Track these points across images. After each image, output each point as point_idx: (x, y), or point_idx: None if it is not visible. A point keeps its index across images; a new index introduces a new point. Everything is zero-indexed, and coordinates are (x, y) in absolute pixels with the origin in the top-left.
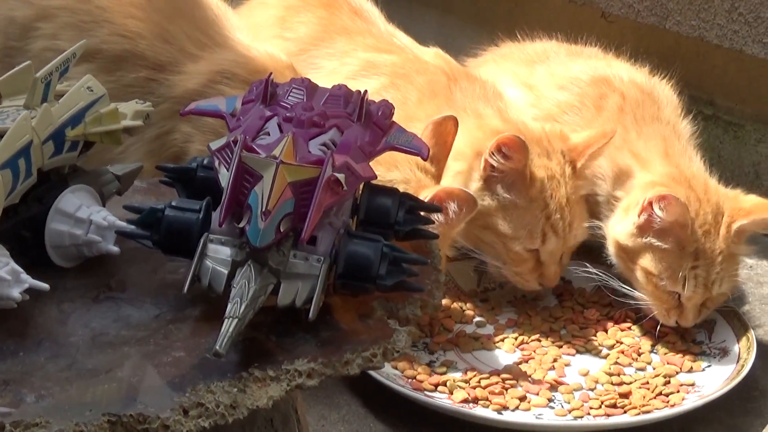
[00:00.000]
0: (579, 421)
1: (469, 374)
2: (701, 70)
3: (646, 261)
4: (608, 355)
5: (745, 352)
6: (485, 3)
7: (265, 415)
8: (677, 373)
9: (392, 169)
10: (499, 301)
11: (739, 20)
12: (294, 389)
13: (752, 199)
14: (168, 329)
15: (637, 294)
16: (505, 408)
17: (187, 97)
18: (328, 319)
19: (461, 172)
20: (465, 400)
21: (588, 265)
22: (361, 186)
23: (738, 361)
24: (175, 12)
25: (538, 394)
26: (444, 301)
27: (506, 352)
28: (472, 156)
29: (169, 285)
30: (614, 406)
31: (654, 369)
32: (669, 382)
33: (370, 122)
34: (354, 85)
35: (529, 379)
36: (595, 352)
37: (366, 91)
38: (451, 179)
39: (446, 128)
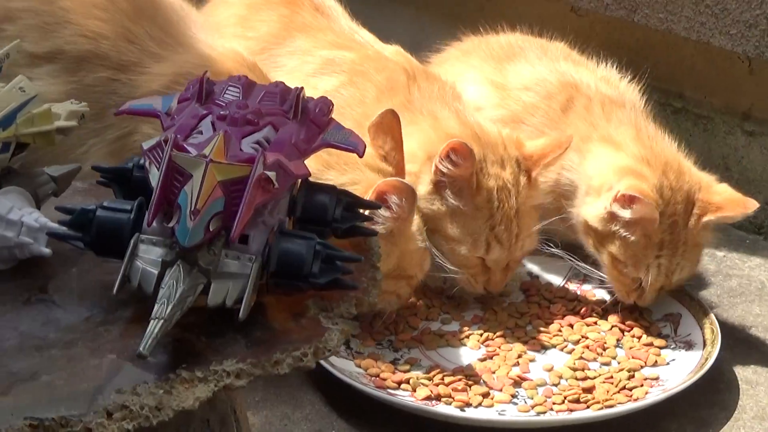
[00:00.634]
0: (541, 417)
1: (433, 372)
2: (670, 62)
3: (614, 247)
4: (573, 350)
5: (710, 345)
6: None
7: (201, 415)
8: (642, 367)
9: (346, 172)
10: (465, 297)
11: (705, 12)
12: (222, 390)
13: (723, 192)
14: (97, 331)
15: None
16: (468, 405)
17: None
18: (261, 318)
19: (412, 173)
20: (428, 398)
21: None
22: (299, 183)
23: (702, 355)
24: (138, 12)
25: (501, 391)
26: (410, 299)
27: (471, 348)
28: (424, 159)
29: (102, 287)
30: (577, 401)
31: (619, 363)
32: (633, 377)
33: (306, 119)
34: (314, 84)
35: (493, 375)
36: (561, 347)
37: (302, 88)
38: None
39: (388, 124)
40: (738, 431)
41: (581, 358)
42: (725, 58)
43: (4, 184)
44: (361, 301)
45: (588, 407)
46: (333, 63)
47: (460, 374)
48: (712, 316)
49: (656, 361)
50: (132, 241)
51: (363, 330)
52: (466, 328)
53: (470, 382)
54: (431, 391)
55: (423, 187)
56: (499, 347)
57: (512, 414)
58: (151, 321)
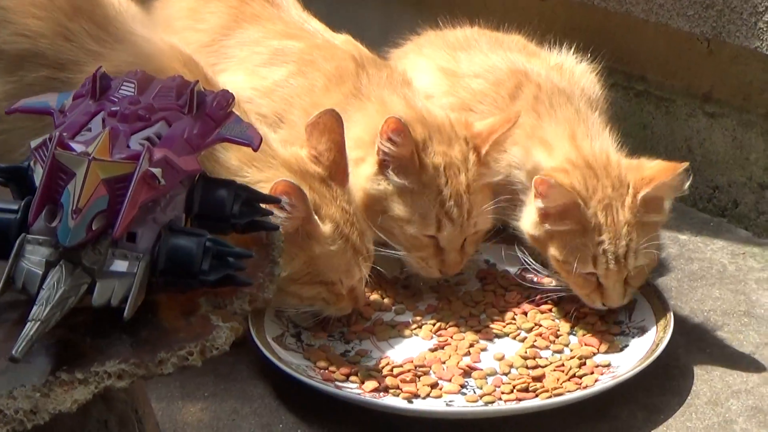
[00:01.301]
0: (488, 407)
1: (383, 363)
2: (631, 45)
3: (554, 249)
4: (526, 338)
5: (662, 330)
6: None
7: (98, 417)
8: (594, 354)
9: (263, 170)
10: (420, 287)
11: None
12: (103, 392)
13: (654, 165)
14: None
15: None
16: (416, 396)
17: None
18: (150, 317)
19: (359, 159)
20: (376, 389)
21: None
22: (197, 179)
23: (654, 341)
24: (76, 10)
25: (450, 381)
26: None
27: (422, 338)
28: (370, 142)
29: None
30: (526, 390)
31: (571, 351)
32: (585, 364)
33: (202, 114)
34: (264, 74)
35: (443, 365)
36: (513, 335)
37: (197, 82)
38: (352, 167)
39: (325, 124)
40: (690, 417)
41: (533, 346)
42: (684, 40)
43: None
44: (255, 297)
45: (537, 396)
46: (282, 53)
47: (409, 365)
48: (667, 301)
49: (609, 348)
50: (17, 242)
51: (316, 324)
52: (419, 318)
53: (419, 373)
54: (379, 383)
55: (368, 168)
56: (451, 337)
57: (460, 404)
58: (28, 323)
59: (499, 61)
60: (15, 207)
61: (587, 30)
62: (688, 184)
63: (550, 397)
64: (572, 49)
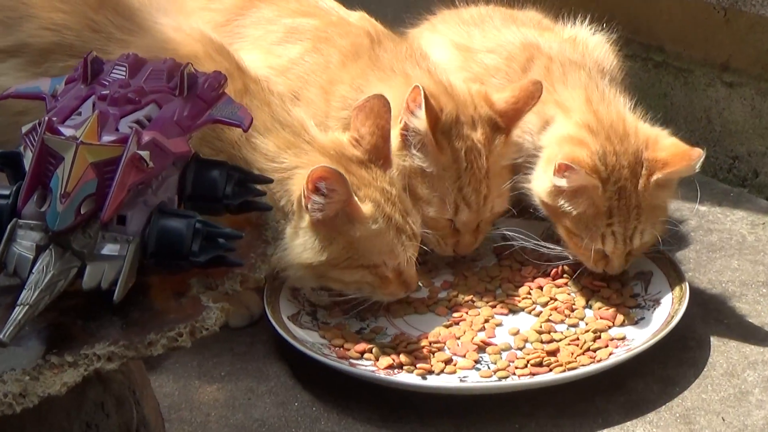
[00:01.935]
0: (502, 382)
1: (398, 340)
2: (649, 16)
3: (567, 221)
4: (541, 313)
5: (677, 302)
6: None
7: (94, 399)
8: (609, 327)
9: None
10: (437, 263)
11: None
12: (92, 374)
13: (670, 146)
14: None
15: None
16: (430, 372)
17: None
18: (142, 299)
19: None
20: (390, 366)
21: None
22: (189, 160)
23: (669, 313)
24: (101, 3)
25: (464, 357)
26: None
27: (438, 315)
28: (397, 115)
29: None
30: (540, 364)
31: (586, 324)
32: (599, 337)
33: (193, 95)
34: (279, 52)
35: (458, 341)
36: (529, 310)
37: (188, 64)
38: None
39: (371, 108)
40: (705, 388)
41: (548, 320)
42: (701, 10)
43: None
44: (246, 278)
45: (550, 370)
46: (297, 31)
47: (424, 341)
48: (683, 273)
49: (624, 321)
50: (9, 227)
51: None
52: (435, 294)
53: (434, 349)
54: (393, 360)
55: (394, 142)
56: (466, 312)
57: (474, 380)
58: (16, 307)
59: (511, 35)
60: (6, 192)
61: (604, 1)
62: (699, 165)
63: (564, 371)
64: (586, 22)
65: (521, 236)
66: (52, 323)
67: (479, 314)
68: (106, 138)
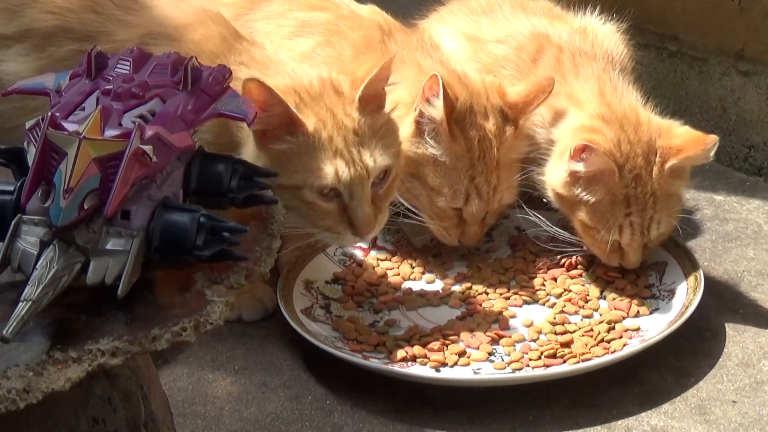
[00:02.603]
0: (515, 374)
1: (411, 332)
2: (663, 4)
3: (582, 213)
4: (555, 304)
5: (692, 293)
6: None
7: (101, 394)
8: (623, 318)
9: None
10: (450, 255)
11: None
12: (96, 369)
13: (683, 134)
14: None
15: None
16: (444, 364)
17: None
18: (146, 294)
19: (399, 117)
20: (404, 359)
21: (537, 214)
22: (194, 154)
23: (684, 303)
24: None
25: (478, 349)
26: (393, 259)
27: (451, 307)
28: (410, 103)
29: None
30: (554, 356)
31: (600, 316)
32: (613, 328)
33: (197, 89)
34: (290, 46)
35: (472, 333)
36: (543, 301)
37: (191, 58)
38: None
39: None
40: (721, 379)
41: (562, 311)
42: None
43: None
44: (251, 272)
45: (564, 362)
46: (308, 24)
47: (437, 334)
48: (698, 263)
49: (638, 312)
50: (13, 222)
51: (345, 293)
52: (448, 287)
53: (448, 342)
54: (407, 353)
55: (407, 128)
56: (480, 304)
57: (487, 372)
58: (20, 303)
59: (520, 25)
60: (11, 188)
61: None
62: (713, 153)
63: (578, 362)
64: (597, 11)
65: (540, 221)
66: (57, 319)
67: (493, 306)
68: (109, 133)
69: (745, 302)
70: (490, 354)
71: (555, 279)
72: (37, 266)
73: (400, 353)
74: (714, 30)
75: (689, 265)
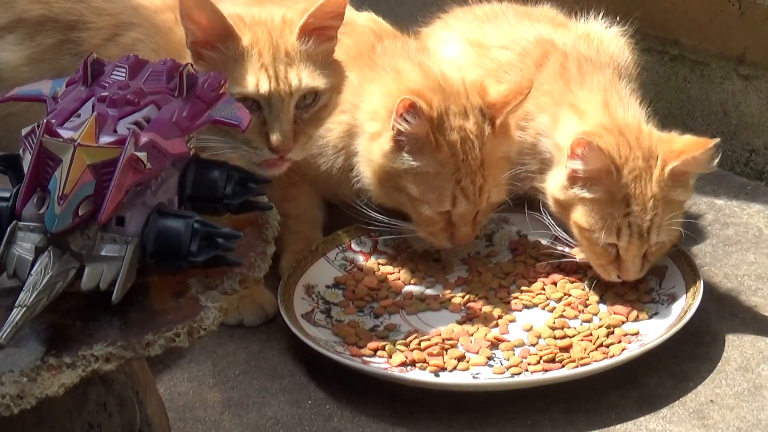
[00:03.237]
0: (514, 379)
1: (411, 336)
2: (664, 9)
3: (578, 215)
4: (555, 308)
5: (692, 297)
6: None
7: (97, 399)
8: (623, 322)
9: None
10: (451, 260)
11: None
12: (90, 375)
13: (684, 139)
14: None
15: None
16: (443, 369)
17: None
18: (141, 300)
19: (376, 133)
20: (403, 363)
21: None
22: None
23: (683, 308)
24: None
25: (477, 353)
26: (394, 263)
27: (451, 311)
28: (387, 116)
29: None
30: (553, 360)
31: (600, 320)
32: (613, 333)
33: (192, 96)
34: None
35: (471, 338)
36: (543, 306)
37: (187, 65)
38: (367, 141)
39: None
40: (719, 383)
41: (562, 316)
42: (716, 2)
43: None
44: (246, 277)
45: (563, 366)
46: None
47: (437, 338)
48: (697, 267)
49: (638, 316)
50: (9, 229)
51: (345, 298)
52: (448, 291)
53: (447, 346)
54: (406, 357)
55: (385, 145)
56: (480, 309)
57: (486, 376)
58: (14, 309)
59: (525, 31)
60: (7, 195)
61: None
62: (716, 161)
63: (577, 366)
64: (601, 16)
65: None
66: (52, 324)
67: (492, 310)
68: (104, 139)
69: (744, 307)
70: (490, 358)
71: (555, 283)
72: (32, 272)
73: (400, 358)
74: (715, 34)
75: (689, 269)
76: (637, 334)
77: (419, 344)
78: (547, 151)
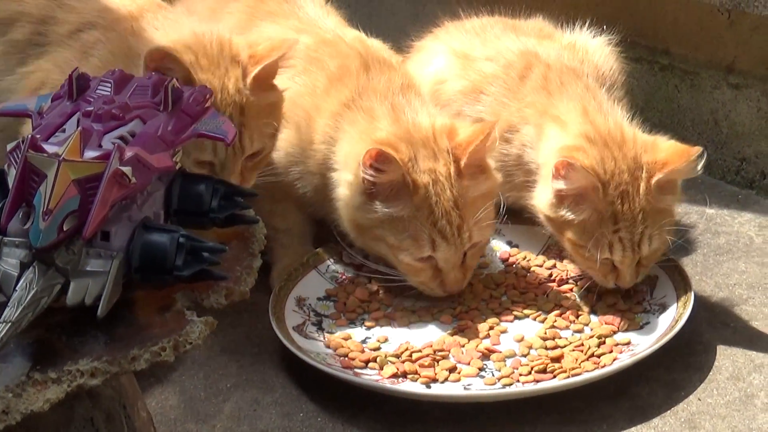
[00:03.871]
0: (506, 389)
1: (402, 348)
2: (654, 19)
3: (570, 233)
4: (546, 319)
5: (683, 306)
6: None
7: (84, 414)
8: (614, 332)
9: None
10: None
11: None
12: (76, 390)
13: (668, 147)
14: None
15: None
16: (435, 380)
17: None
18: (126, 314)
19: (350, 183)
20: (394, 375)
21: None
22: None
23: (674, 317)
24: None
25: (469, 364)
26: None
27: (443, 322)
28: (357, 167)
29: None
30: (544, 371)
31: (591, 330)
32: (604, 343)
33: (178, 110)
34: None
35: (462, 349)
36: (534, 316)
37: (171, 79)
38: (344, 190)
39: None
40: (711, 393)
41: (553, 326)
42: (705, 12)
43: None
44: (232, 291)
45: (554, 377)
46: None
47: (428, 350)
48: (688, 277)
49: (629, 326)
50: None
51: (337, 310)
52: (440, 302)
53: (438, 357)
54: (398, 369)
55: (359, 198)
56: (472, 320)
57: (478, 387)
58: None
59: (510, 43)
60: None
61: (609, 4)
62: (701, 165)
63: (568, 377)
64: (587, 26)
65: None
66: (38, 339)
67: (484, 321)
68: (89, 154)
69: (736, 316)
70: (481, 369)
71: (546, 294)
72: (17, 288)
73: (391, 369)
74: (705, 43)
75: (680, 278)
76: (628, 344)
77: (410, 356)
78: (533, 161)
